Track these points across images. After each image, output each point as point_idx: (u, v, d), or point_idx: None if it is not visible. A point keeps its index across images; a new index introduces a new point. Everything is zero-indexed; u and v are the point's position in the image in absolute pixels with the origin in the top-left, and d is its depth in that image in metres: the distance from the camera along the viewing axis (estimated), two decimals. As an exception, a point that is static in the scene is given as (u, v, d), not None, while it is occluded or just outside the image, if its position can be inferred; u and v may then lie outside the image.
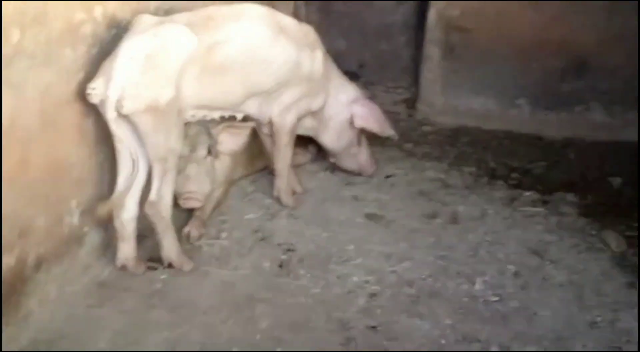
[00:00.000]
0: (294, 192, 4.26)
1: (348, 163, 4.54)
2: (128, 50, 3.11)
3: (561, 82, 5.35)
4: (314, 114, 4.19)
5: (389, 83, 6.13)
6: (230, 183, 4.26)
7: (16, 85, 2.74)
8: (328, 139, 4.39)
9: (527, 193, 4.55)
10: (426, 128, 5.55)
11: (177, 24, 3.28)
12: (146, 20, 3.28)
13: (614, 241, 3.93)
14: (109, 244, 3.55)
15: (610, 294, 3.49)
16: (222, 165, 4.06)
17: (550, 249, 3.88)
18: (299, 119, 4.07)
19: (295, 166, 4.47)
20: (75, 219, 3.29)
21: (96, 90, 3.07)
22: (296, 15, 6.02)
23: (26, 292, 2.95)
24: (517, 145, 5.34)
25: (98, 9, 3.23)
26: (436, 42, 5.50)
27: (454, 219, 4.15)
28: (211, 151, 3.91)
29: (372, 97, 4.60)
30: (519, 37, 5.32)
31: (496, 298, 3.41)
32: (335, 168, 4.67)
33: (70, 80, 3.11)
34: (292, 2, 5.93)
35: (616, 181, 4.78)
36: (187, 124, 3.81)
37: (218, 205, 4.06)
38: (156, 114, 3.14)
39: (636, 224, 4.17)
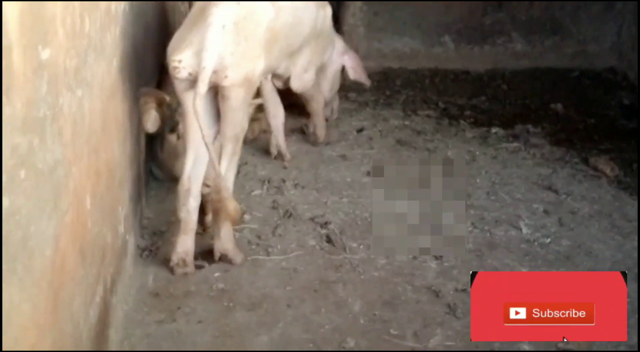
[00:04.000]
0: (281, 158, 4.06)
1: (327, 111, 4.52)
2: (218, 19, 2.80)
3: (483, 16, 5.43)
4: None
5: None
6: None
7: (90, 84, 2.27)
8: (326, 88, 4.35)
9: (494, 130, 4.61)
10: (356, 75, 5.42)
11: None
12: None
13: (606, 167, 4.10)
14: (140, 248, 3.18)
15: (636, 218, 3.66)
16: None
17: (554, 182, 3.99)
18: (315, 74, 4.03)
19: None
20: (122, 228, 2.85)
21: (183, 63, 2.76)
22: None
23: (109, 322, 2.53)
24: (449, 82, 5.40)
25: (115, -20, 2.74)
26: (357, -15, 5.35)
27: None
28: None
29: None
30: (441, -27, 5.30)
31: (548, 239, 3.45)
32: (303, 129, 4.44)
33: (111, 69, 2.64)
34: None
35: (558, 107, 4.98)
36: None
37: (219, 185, 3.71)
38: (248, 87, 2.91)
39: (607, 147, 4.41)
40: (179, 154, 3.48)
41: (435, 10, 5.40)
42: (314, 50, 3.84)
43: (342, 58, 4.40)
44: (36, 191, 1.69)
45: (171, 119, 3.49)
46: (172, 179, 3.57)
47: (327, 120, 4.49)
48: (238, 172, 3.90)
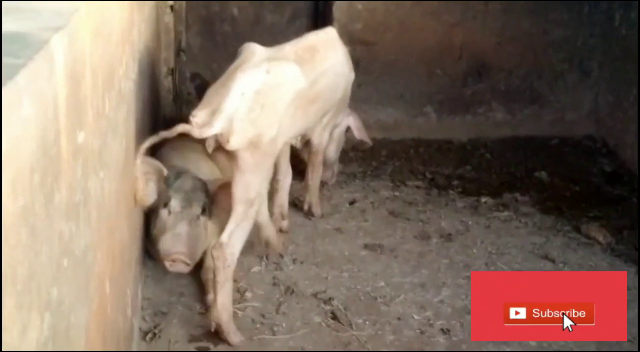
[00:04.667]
0: (281, 232, 3.97)
1: (328, 173, 4.60)
2: (240, 86, 2.96)
3: (464, 86, 5.52)
4: None
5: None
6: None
7: (108, 165, 2.22)
8: (332, 149, 4.45)
9: (483, 199, 4.62)
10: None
11: (289, 63, 3.19)
12: (257, 51, 3.17)
13: (599, 234, 4.13)
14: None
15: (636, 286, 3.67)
16: (214, 227, 3.63)
17: (550, 251, 3.99)
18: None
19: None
20: (129, 310, 2.76)
21: (197, 119, 2.92)
22: (178, 42, 5.62)
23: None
24: (433, 152, 5.42)
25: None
26: (340, 57, 5.39)
27: (447, 237, 4.11)
28: (205, 210, 3.48)
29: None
30: (422, 46, 5.39)
31: (553, 309, 3.43)
32: (295, 202, 4.39)
33: (123, 147, 2.60)
34: (172, 29, 5.51)
35: (543, 175, 5.04)
36: (182, 177, 3.44)
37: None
38: (255, 152, 3.01)
39: (596, 214, 4.46)
40: (166, 229, 3.41)
41: (417, 81, 5.47)
42: (335, 111, 4.02)
43: (348, 119, 4.50)
44: (74, 279, 1.63)
45: (166, 193, 3.43)
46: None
47: (326, 183, 4.56)
48: (235, 247, 3.88)
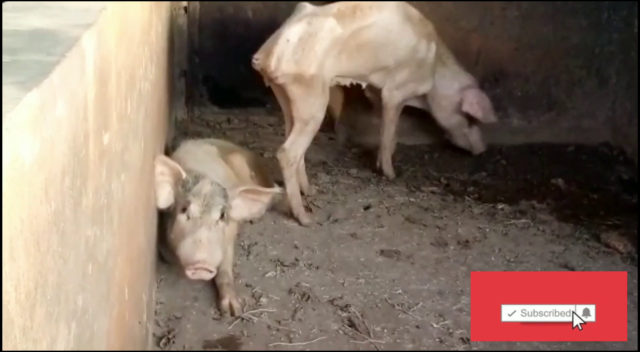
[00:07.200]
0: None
1: (460, 141, 5.21)
2: (286, 34, 3.96)
3: (480, 92, 5.45)
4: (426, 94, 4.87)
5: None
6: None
7: (129, 167, 2.17)
8: (441, 116, 5.07)
9: (499, 206, 4.55)
10: (354, 150, 5.37)
11: (327, 16, 4.06)
12: (306, 7, 4.14)
13: (619, 243, 4.06)
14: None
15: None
16: (230, 232, 3.57)
17: (569, 259, 3.92)
18: (405, 98, 4.71)
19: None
20: (145, 316, 2.71)
21: (259, 61, 3.96)
22: (191, 44, 5.58)
23: None
24: (448, 158, 5.34)
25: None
26: (356, 61, 5.33)
27: (465, 244, 4.05)
28: (224, 215, 3.41)
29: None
30: (439, 51, 5.32)
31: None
32: (309, 207, 4.34)
33: (141, 149, 2.55)
34: (185, 31, 5.48)
35: (560, 182, 4.96)
36: (201, 181, 3.37)
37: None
38: (299, 85, 3.96)
39: (615, 222, 4.39)
40: (185, 235, 3.33)
41: (433, 86, 5.41)
42: (412, 75, 4.59)
43: (462, 92, 4.91)
44: (97, 285, 1.58)
45: (185, 197, 3.37)
46: (175, 262, 3.41)
47: (471, 154, 5.21)
48: (249, 252, 3.84)
